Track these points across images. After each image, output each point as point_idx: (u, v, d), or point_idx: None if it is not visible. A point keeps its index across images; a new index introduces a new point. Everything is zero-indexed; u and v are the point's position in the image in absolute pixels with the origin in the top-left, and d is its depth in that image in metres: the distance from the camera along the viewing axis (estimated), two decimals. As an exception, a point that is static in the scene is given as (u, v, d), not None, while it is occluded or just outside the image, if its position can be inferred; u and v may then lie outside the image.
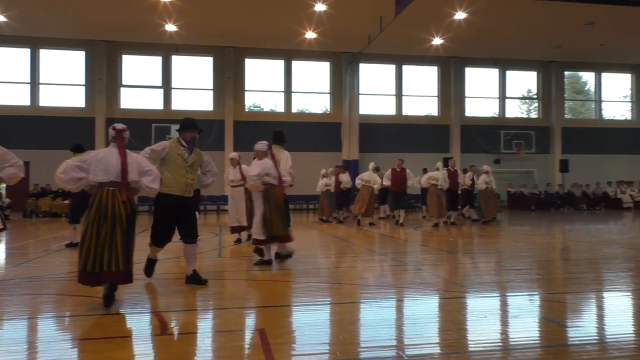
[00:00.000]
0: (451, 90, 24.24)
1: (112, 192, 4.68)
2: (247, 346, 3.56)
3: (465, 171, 15.69)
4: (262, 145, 7.05)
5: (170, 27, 19.45)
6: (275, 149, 7.56)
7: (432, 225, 13.51)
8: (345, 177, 14.96)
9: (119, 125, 4.95)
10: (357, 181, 14.42)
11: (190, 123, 5.63)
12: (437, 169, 13.59)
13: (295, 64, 23.10)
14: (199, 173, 5.84)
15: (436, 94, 24.55)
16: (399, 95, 24.08)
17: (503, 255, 8.26)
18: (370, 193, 13.97)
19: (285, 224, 6.96)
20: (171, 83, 22.17)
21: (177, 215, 5.51)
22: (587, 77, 26.75)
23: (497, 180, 15.79)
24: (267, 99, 23.29)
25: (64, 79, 21.67)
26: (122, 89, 21.91)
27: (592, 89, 26.52)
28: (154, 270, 6.03)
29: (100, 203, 4.64)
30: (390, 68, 24.17)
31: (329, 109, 23.66)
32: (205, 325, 4.16)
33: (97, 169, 4.73)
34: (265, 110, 23.33)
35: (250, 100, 23.23)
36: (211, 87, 22.49)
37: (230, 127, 21.98)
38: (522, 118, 25.60)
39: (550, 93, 25.40)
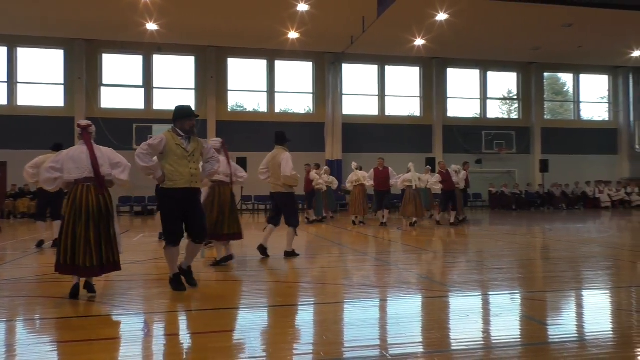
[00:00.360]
0: (433, 91, 24.42)
1: (86, 188, 4.84)
2: (230, 347, 3.54)
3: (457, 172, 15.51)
4: (215, 142, 7.04)
5: (152, 26, 19.27)
6: (277, 150, 7.70)
7: (410, 224, 13.71)
8: (315, 175, 15.01)
9: (84, 122, 5.08)
10: (348, 184, 14.59)
11: (186, 111, 5.32)
12: (409, 171, 13.85)
13: (278, 64, 23.05)
14: (202, 163, 5.61)
15: (418, 95, 24.70)
16: (381, 95, 24.18)
17: (485, 254, 8.34)
18: (363, 192, 14.22)
19: (234, 222, 6.94)
20: (152, 82, 21.96)
21: (185, 210, 5.21)
22: (566, 79, 27.15)
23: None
24: (250, 98, 23.21)
25: (42, 78, 21.32)
26: (102, 88, 21.63)
27: (571, 90, 26.93)
28: (188, 281, 5.52)
29: (74, 200, 4.80)
30: (373, 68, 24.26)
31: (312, 109, 23.66)
32: (187, 327, 4.13)
33: (70, 167, 4.89)
34: (248, 110, 23.25)
35: (233, 100, 23.12)
36: (193, 87, 22.33)
37: (212, 127, 21.84)
38: (503, 119, 25.89)
39: (530, 94, 25.73)
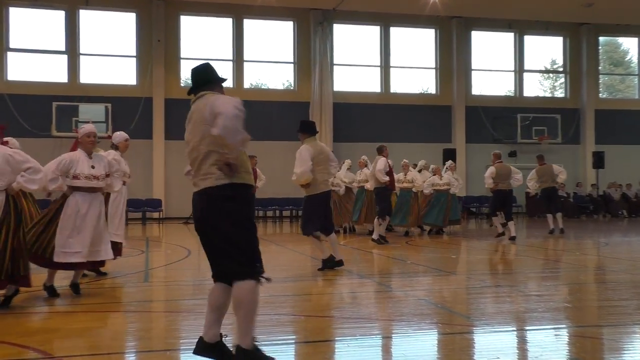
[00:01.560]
0: (453, 61, 24.50)
1: None
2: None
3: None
4: (117, 136, 7.72)
5: (78, -28, 19.12)
6: (308, 142, 8.48)
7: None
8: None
9: None
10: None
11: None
12: (416, 168, 14.06)
13: (248, 24, 23.00)
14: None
15: (434, 66, 24.76)
16: (385, 66, 24.20)
17: (520, 276, 8.36)
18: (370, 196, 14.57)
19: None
20: (78, 48, 21.77)
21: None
22: (629, 45, 27.39)
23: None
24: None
25: None
26: (8, 53, 21.40)
27: (635, 60, 27.16)
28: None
29: None
30: (374, 30, 24.29)
31: (292, 84, 23.61)
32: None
33: None
34: (207, 85, 23.22)
35: (188, 72, 23.04)
36: (134, 54, 22.18)
37: (160, 106, 21.71)
38: (544, 98, 26.05)
39: (580, 65, 25.95)
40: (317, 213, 8.54)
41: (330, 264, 8.61)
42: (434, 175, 14.87)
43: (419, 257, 10.85)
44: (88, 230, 6.39)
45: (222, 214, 3.83)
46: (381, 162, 12.36)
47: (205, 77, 4.14)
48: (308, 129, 8.66)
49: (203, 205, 3.87)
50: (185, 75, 22.88)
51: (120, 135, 8.48)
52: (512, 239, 13.20)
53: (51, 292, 6.55)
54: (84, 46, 21.89)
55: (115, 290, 7.41)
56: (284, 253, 11.78)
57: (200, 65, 4.26)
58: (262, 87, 23.73)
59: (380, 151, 13.73)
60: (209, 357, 3.93)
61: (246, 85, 23.16)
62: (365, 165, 14.89)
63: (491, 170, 13.96)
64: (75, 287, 6.69)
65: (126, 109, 20.99)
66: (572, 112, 25.65)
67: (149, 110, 21.55)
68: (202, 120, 3.88)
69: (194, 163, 3.94)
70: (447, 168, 15.33)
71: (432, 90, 24.92)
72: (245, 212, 3.87)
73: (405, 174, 14.68)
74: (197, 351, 3.95)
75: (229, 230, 3.79)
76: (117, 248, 7.85)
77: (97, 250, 6.54)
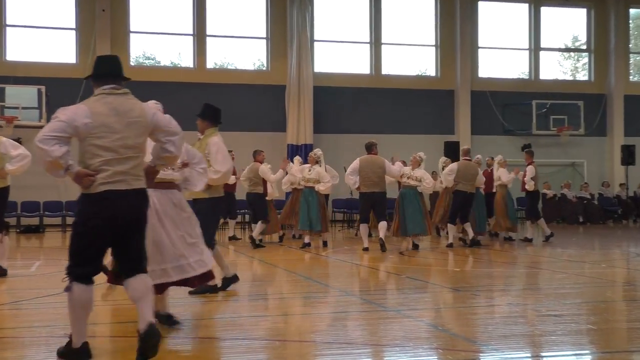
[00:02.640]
0: (456, 37, 24.54)
1: None
2: None
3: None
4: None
5: None
6: (208, 132, 8.09)
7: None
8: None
9: None
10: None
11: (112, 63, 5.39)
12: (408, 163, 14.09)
13: (211, -9, 22.94)
14: None
15: (433, 43, 24.79)
16: (375, 43, 24.19)
17: (535, 293, 8.41)
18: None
19: None
20: (4, 19, 21.55)
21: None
22: (663, 19, 27.62)
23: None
24: (166, 46, 23.04)
25: None
26: None
27: (670, 37, 27.42)
28: None
29: None
30: (363, 0, 24.29)
31: (265, 64, 23.54)
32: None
33: None
34: (162, 64, 23.05)
35: (139, 48, 22.86)
36: (73, 26, 22.00)
37: (105, 91, 21.55)
38: (564, 81, 26.18)
39: (607, 42, 26.08)
40: (217, 219, 8.41)
41: (228, 282, 8.32)
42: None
43: (416, 270, 10.85)
44: None
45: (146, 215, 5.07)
46: None
47: (120, 70, 5.24)
48: (214, 117, 8.29)
49: (140, 203, 4.94)
50: (136, 52, 22.72)
51: None
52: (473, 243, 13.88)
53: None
54: (10, 17, 21.66)
55: None
56: (251, 264, 11.73)
57: (113, 55, 5.42)
58: (229, 67, 23.60)
59: (369, 149, 13.78)
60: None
61: (209, 65, 23.02)
62: (317, 162, 14.75)
63: (452, 167, 14.33)
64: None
65: (64, 93, 20.63)
66: (597, 98, 25.77)
67: (91, 95, 21.35)
68: (144, 125, 4.97)
69: (127, 160, 4.84)
70: (498, 163, 15.86)
71: (431, 72, 24.97)
72: None
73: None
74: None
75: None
76: None
77: None
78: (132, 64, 22.26)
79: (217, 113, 8.31)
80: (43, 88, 20.31)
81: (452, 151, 20.00)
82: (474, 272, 10.87)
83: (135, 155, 4.88)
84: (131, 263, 4.96)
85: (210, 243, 7.57)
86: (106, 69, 5.18)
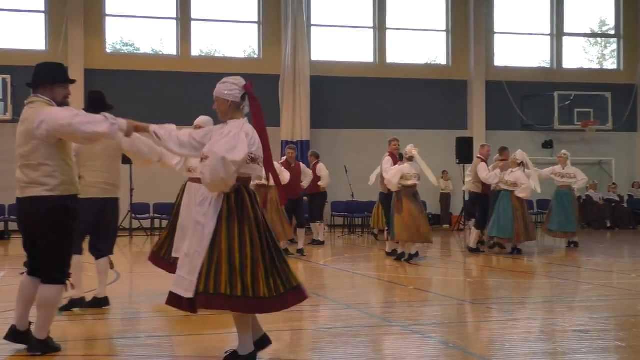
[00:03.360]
0: (470, 21, 24.52)
1: None
2: None
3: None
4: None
5: None
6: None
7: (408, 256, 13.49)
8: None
9: None
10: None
11: (59, 71, 6.17)
12: (409, 157, 14.03)
13: (197, -30, 22.93)
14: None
15: (444, 28, 24.80)
16: (379, 28, 24.14)
17: (558, 306, 8.39)
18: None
19: None
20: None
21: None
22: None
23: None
24: (147, 31, 23.06)
25: None
26: None
27: None
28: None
29: None
30: (365, -20, 24.30)
31: (257, 52, 23.55)
32: None
33: None
34: (142, 51, 23.11)
35: (116, 34, 22.87)
36: (43, 9, 21.96)
37: (79, 80, 21.42)
38: (590, 70, 26.15)
39: (638, 27, 26.05)
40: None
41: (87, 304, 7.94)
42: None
43: (424, 281, 10.85)
44: None
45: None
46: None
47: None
48: (98, 105, 7.91)
49: (21, 212, 5.99)
50: (113, 37, 22.70)
51: None
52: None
53: None
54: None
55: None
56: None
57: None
58: (216, 54, 23.59)
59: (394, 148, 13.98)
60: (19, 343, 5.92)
61: (194, 52, 22.99)
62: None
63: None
64: None
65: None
66: (626, 88, 25.75)
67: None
68: (27, 133, 5.76)
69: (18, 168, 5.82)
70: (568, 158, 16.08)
71: (441, 60, 24.97)
72: None
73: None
74: (9, 337, 5.94)
75: None
76: None
77: None
78: (108, 51, 22.25)
79: (101, 100, 8.29)
80: (8, 77, 20.26)
81: (465, 147, 19.98)
82: (488, 282, 10.86)
83: (24, 164, 5.73)
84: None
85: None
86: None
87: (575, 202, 16.02)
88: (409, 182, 13.04)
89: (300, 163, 15.94)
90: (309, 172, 15.96)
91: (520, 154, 14.46)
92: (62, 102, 5.94)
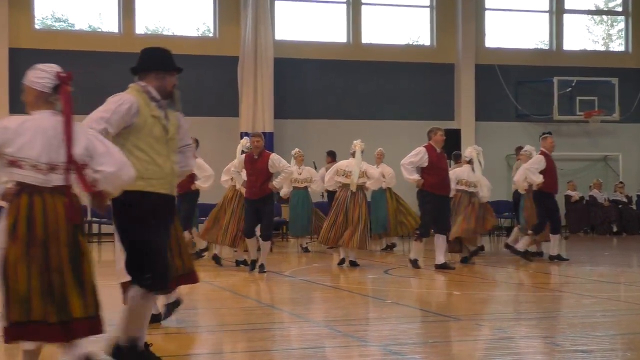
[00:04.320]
0: (458, -3, 24.67)
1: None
2: None
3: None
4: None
5: None
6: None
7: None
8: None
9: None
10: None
11: (165, 57, 6.40)
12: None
13: None
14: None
15: (427, 3, 24.89)
16: (354, 4, 24.20)
17: (557, 322, 8.43)
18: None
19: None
20: None
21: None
22: None
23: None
24: (83, 5, 22.99)
25: None
26: None
27: None
28: None
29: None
30: (337, -52, 24.35)
31: (212, 30, 23.63)
32: None
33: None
34: (77, 28, 23.17)
35: (46, 7, 22.84)
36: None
37: (3, 60, 21.35)
38: (594, 53, 26.40)
39: (647, 5, 26.36)
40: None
41: None
42: None
43: (404, 294, 10.85)
44: None
45: None
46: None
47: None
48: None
49: None
50: (42, 12, 22.54)
51: None
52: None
53: None
54: None
55: None
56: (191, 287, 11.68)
57: None
58: (164, 33, 23.58)
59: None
60: None
61: (139, 30, 22.97)
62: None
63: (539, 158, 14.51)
64: None
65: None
66: (635, 74, 26.00)
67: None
68: None
69: None
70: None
71: (425, 41, 25.12)
72: None
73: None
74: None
75: None
76: None
77: None
78: (37, 27, 22.20)
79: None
80: None
81: (452, 140, 20.02)
82: (477, 295, 10.85)
83: None
84: None
85: None
86: None
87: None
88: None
89: (272, 154, 14.64)
90: (284, 166, 14.04)
91: (470, 151, 14.56)
92: None
